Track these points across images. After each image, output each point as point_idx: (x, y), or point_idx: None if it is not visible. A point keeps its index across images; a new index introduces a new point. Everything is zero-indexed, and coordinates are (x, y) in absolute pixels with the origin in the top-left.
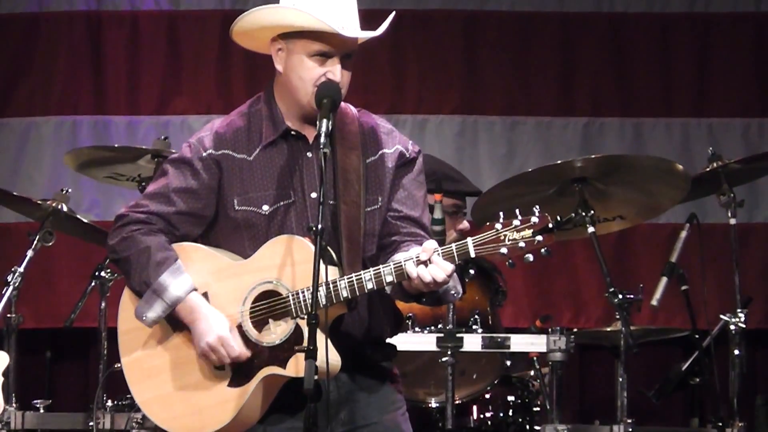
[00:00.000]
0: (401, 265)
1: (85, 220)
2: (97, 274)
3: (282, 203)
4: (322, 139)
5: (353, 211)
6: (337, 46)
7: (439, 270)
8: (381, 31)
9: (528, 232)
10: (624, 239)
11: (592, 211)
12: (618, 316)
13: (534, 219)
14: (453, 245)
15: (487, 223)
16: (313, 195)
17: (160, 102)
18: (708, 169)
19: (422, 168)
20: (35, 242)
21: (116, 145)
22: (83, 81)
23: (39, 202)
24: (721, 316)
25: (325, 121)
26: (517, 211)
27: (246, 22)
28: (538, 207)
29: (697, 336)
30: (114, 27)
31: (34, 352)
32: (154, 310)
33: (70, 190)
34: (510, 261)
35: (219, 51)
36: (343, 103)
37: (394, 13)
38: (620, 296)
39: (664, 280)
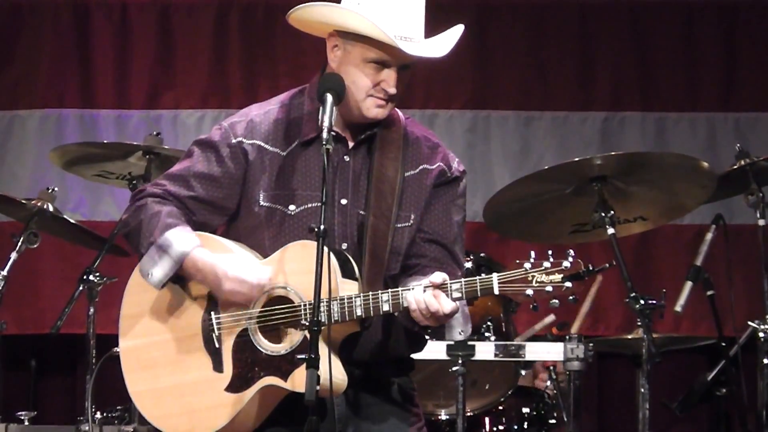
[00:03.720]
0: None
1: (72, 221)
2: (85, 277)
3: (310, 205)
4: (325, 135)
5: (382, 226)
6: (396, 57)
7: (435, 302)
8: (444, 52)
9: (557, 277)
10: (646, 241)
11: (612, 212)
12: (639, 323)
13: (566, 263)
14: (477, 279)
15: (517, 261)
16: (343, 201)
17: (151, 95)
18: (735, 167)
19: (464, 191)
20: (19, 244)
21: (105, 141)
22: (70, 72)
23: (23, 201)
24: (749, 323)
25: (327, 115)
26: (550, 252)
27: (304, 13)
28: (572, 251)
29: (723, 344)
30: (102, 15)
31: (17, 361)
32: (160, 267)
33: (56, 189)
34: (534, 304)
35: (213, 41)
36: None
37: (461, 27)
38: (642, 302)
39: (688, 284)
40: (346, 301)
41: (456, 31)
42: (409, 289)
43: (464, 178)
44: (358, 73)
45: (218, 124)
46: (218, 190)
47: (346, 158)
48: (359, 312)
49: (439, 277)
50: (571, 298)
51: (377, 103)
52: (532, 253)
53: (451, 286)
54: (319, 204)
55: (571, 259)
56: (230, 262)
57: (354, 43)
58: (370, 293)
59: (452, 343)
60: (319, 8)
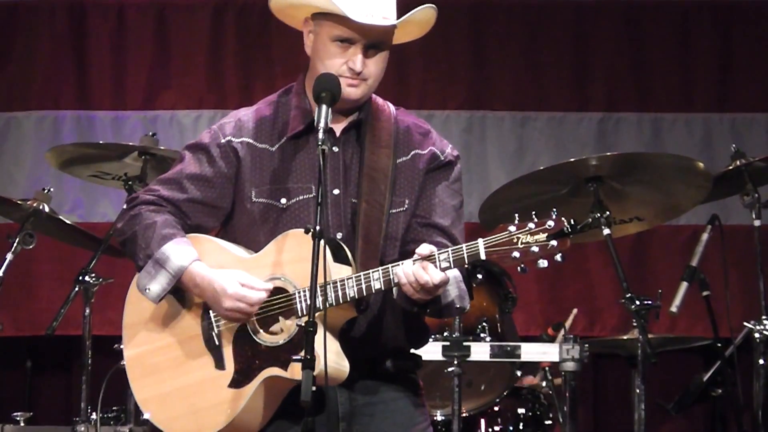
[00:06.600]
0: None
1: (67, 222)
2: (80, 278)
3: (301, 197)
4: (320, 135)
5: (375, 212)
6: (359, 33)
7: (424, 273)
8: (398, 21)
9: (542, 236)
10: (642, 242)
11: (608, 212)
12: (635, 324)
13: (549, 222)
14: (463, 246)
15: (500, 225)
16: (336, 191)
17: (147, 96)
18: (731, 168)
19: (460, 175)
20: (15, 245)
21: (101, 142)
22: (66, 74)
23: (19, 202)
24: (745, 324)
25: (323, 115)
26: (533, 213)
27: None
28: (555, 210)
29: (719, 344)
30: (99, 16)
31: (13, 362)
32: (157, 282)
33: (51, 190)
34: (522, 266)
35: (210, 42)
36: (380, 100)
37: (433, 8)
38: (637, 302)
39: (684, 285)
40: (338, 283)
41: (425, 9)
42: (398, 265)
43: (458, 163)
44: (327, 52)
45: (208, 128)
46: (212, 190)
47: (335, 149)
48: (352, 293)
49: (426, 248)
50: (558, 257)
51: (348, 83)
52: (516, 216)
53: (438, 256)
54: (312, 195)
55: (554, 217)
56: (229, 278)
57: (322, 23)
58: (362, 273)
59: (448, 343)
60: None
